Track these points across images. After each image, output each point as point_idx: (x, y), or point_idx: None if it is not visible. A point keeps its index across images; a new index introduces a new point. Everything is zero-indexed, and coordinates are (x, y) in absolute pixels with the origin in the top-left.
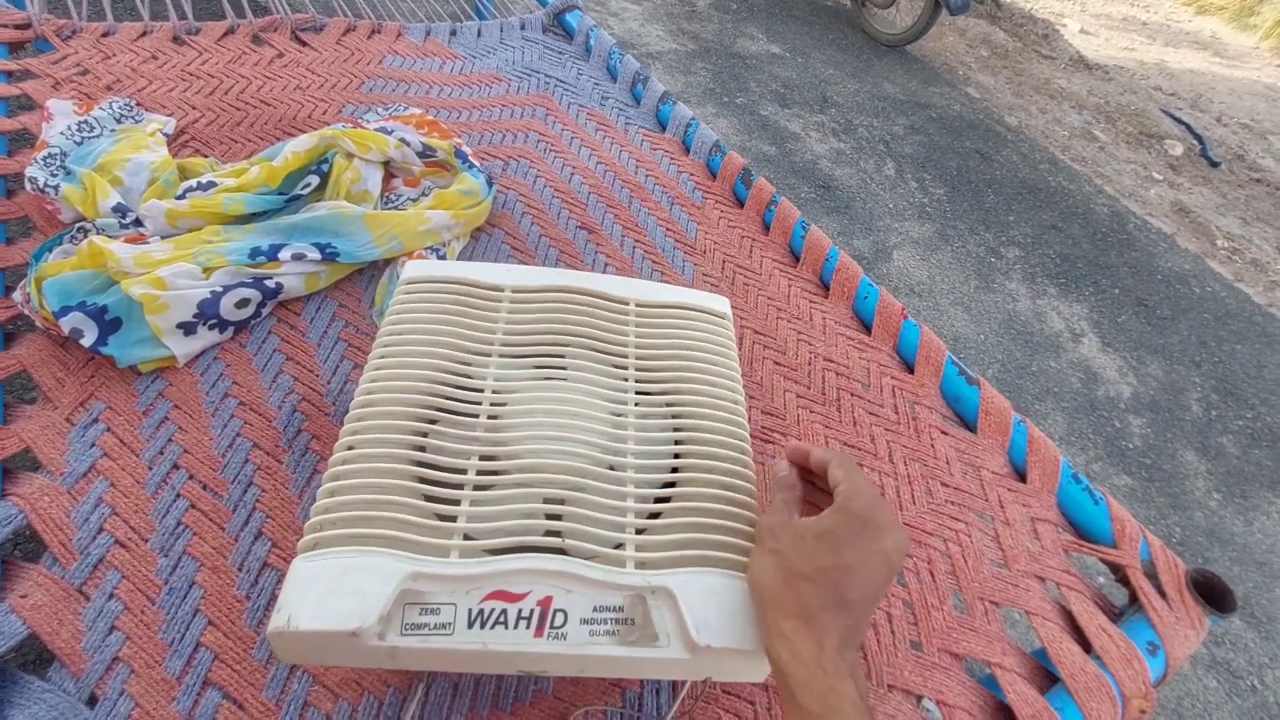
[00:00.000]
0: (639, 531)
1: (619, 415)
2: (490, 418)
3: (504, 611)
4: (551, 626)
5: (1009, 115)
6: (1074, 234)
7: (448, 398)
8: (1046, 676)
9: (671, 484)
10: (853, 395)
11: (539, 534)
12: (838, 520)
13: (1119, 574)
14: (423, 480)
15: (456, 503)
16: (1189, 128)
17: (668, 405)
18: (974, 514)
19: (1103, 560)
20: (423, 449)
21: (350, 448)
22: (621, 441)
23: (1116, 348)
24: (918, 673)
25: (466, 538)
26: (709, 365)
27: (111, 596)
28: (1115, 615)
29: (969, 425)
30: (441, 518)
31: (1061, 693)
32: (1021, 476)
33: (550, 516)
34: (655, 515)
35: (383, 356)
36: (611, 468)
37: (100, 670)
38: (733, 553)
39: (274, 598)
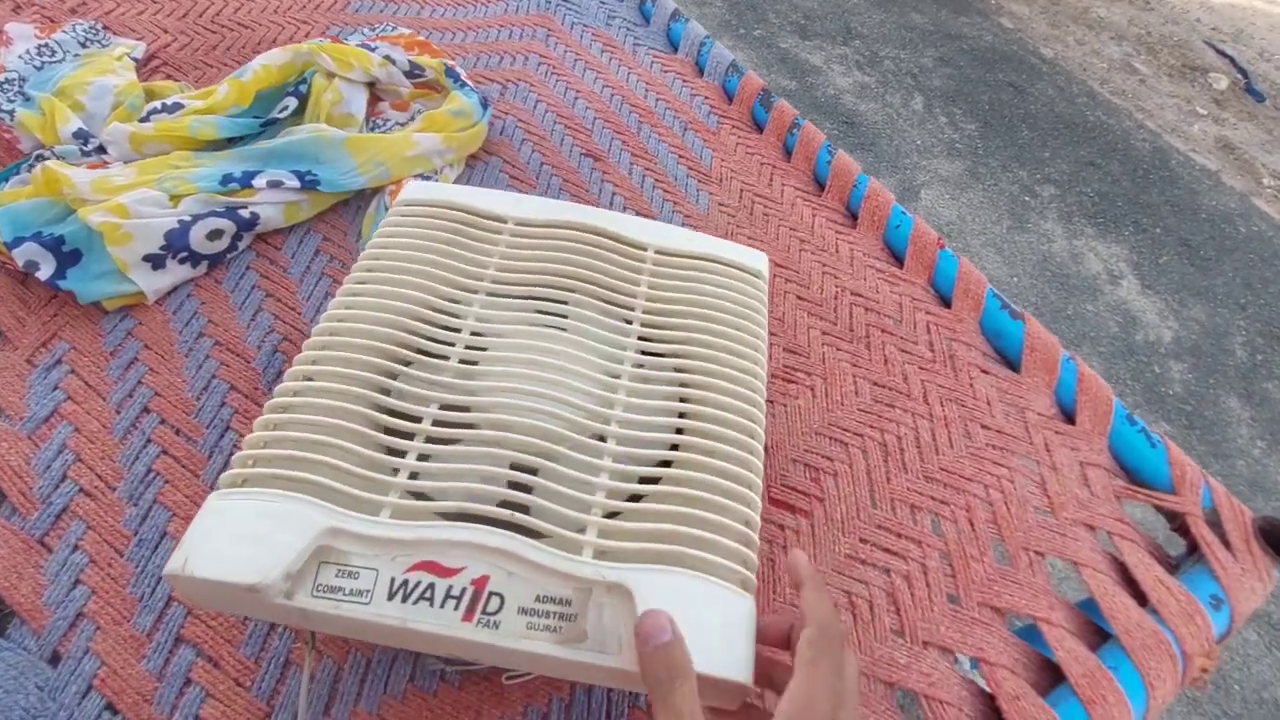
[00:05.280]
0: (611, 516)
1: (615, 376)
2: (463, 362)
3: (430, 586)
4: (484, 611)
5: (1044, 47)
6: (1113, 171)
7: (422, 335)
8: (1097, 632)
9: (667, 463)
10: (883, 332)
11: (493, 503)
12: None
13: (1176, 523)
14: (375, 426)
15: (402, 454)
16: (1233, 61)
17: (675, 371)
18: (1017, 458)
19: (1159, 508)
20: (388, 392)
21: (307, 378)
22: (610, 406)
23: (1157, 290)
24: (955, 628)
25: (416, 497)
26: (731, 330)
27: (76, 548)
28: (1172, 567)
29: (1012, 364)
30: (391, 472)
31: (1115, 650)
32: (1070, 418)
33: (516, 486)
34: (637, 499)
35: (359, 283)
36: (601, 438)
37: (64, 626)
38: (718, 554)
39: None
